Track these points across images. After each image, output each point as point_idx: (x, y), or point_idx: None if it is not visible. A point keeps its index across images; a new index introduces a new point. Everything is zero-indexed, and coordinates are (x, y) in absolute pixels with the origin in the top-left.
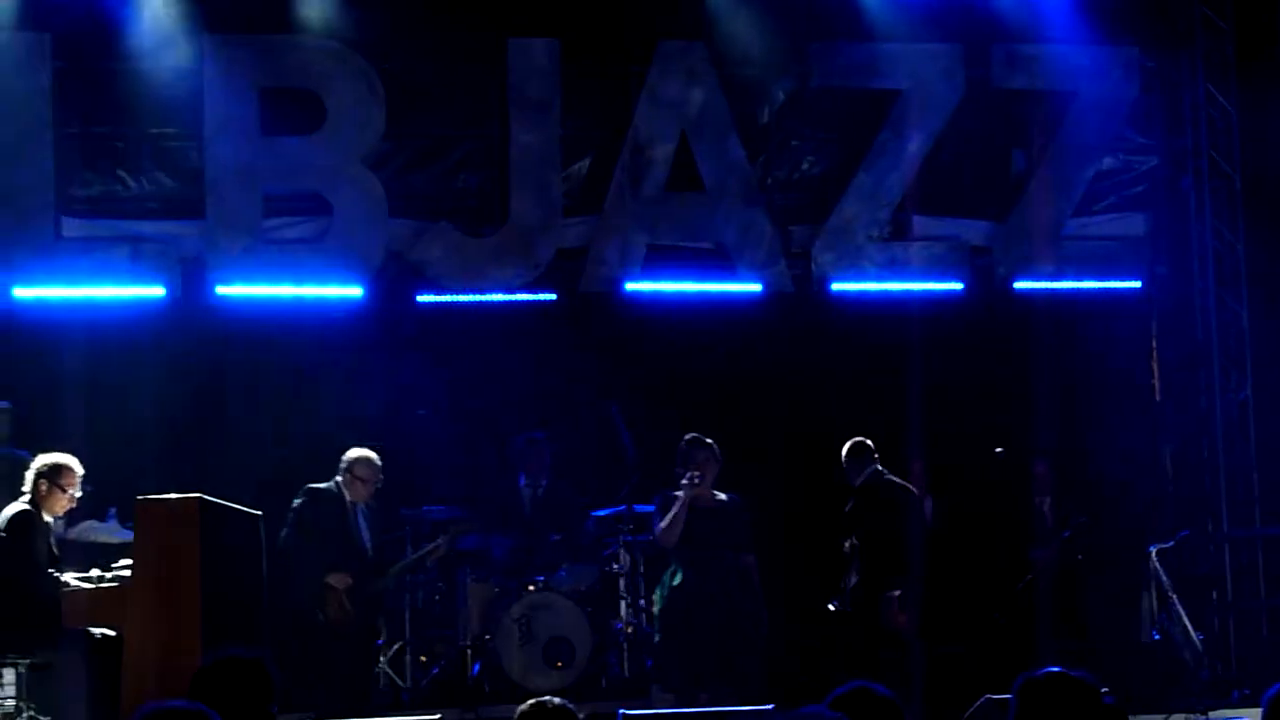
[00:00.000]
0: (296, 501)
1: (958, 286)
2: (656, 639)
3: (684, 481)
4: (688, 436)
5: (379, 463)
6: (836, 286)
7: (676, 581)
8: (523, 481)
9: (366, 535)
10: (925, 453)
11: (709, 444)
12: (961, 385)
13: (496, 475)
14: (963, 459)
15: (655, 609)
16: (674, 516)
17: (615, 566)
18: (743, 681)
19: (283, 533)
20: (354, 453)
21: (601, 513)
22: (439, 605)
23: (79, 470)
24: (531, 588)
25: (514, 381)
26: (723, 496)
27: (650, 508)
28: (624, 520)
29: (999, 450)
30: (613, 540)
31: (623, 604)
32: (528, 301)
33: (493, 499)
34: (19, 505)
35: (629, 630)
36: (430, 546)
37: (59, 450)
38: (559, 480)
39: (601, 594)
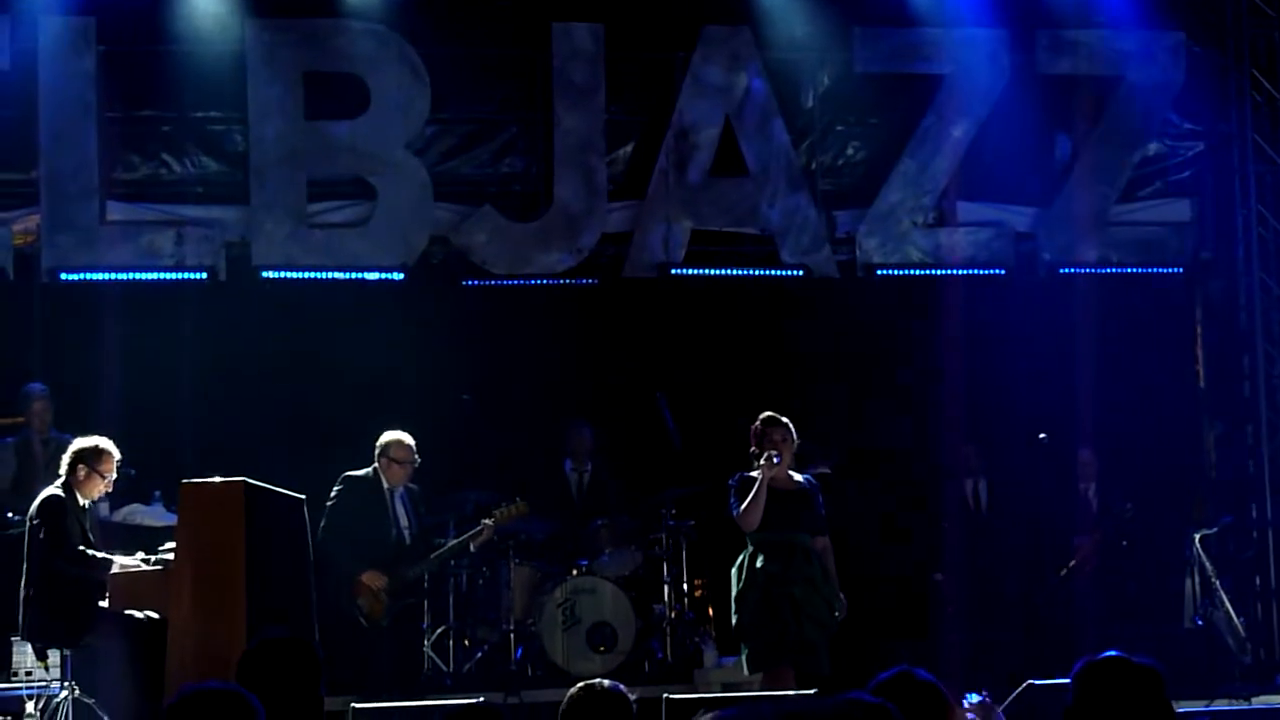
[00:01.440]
0: (336, 489)
1: (1002, 272)
2: (735, 620)
3: (761, 461)
4: (763, 415)
5: (412, 444)
6: (882, 271)
7: (759, 564)
8: (568, 466)
9: (406, 520)
10: (973, 437)
11: (785, 423)
12: (1006, 371)
13: (541, 460)
14: (1008, 444)
15: (734, 591)
16: (754, 498)
17: (659, 551)
18: (820, 666)
19: (322, 522)
20: (388, 436)
21: (646, 498)
22: (483, 589)
23: (115, 454)
24: (575, 572)
25: (559, 367)
26: (799, 478)
27: (697, 489)
28: (668, 505)
29: (1043, 436)
30: (657, 525)
31: (666, 589)
32: (572, 286)
33: (537, 484)
34: (50, 490)
35: (672, 615)
36: (473, 531)
37: (102, 434)
38: (604, 465)
39: (645, 579)
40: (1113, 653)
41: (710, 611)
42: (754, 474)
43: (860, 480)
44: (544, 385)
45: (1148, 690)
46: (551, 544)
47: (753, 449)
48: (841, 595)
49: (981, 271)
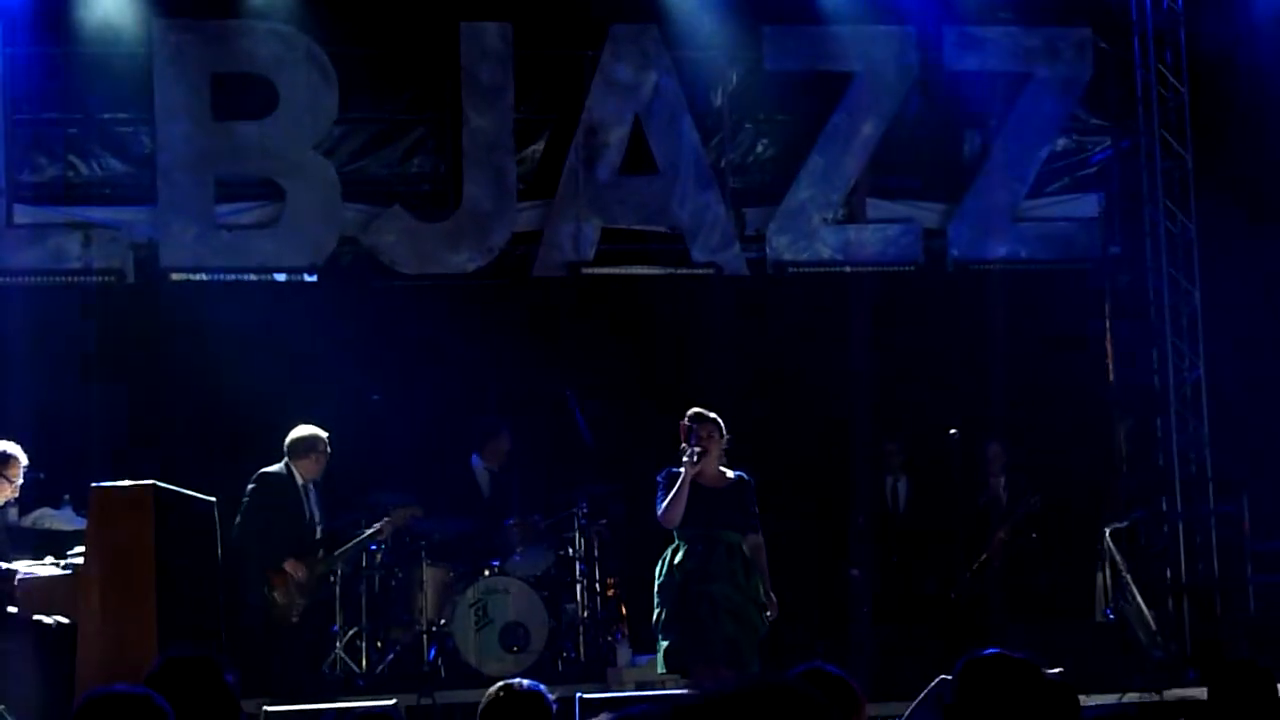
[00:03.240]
0: (250, 487)
1: (912, 268)
2: (656, 614)
3: (685, 458)
4: (690, 411)
5: (324, 436)
6: (792, 269)
7: (678, 560)
8: (479, 465)
9: (318, 515)
10: (890, 433)
11: (712, 418)
12: (917, 365)
13: (452, 460)
14: (919, 440)
15: (656, 584)
16: (675, 495)
17: (571, 550)
18: (744, 665)
19: (237, 520)
20: (297, 431)
21: (558, 497)
22: (395, 591)
23: (22, 459)
24: (487, 572)
25: (469, 366)
26: (730, 474)
27: (609, 488)
28: (580, 504)
29: (953, 431)
30: (569, 524)
31: (578, 588)
32: (482, 285)
33: (448, 483)
34: None
35: (585, 614)
36: (372, 529)
37: (9, 439)
38: (515, 464)
39: (557, 578)
40: (994, 650)
41: (623, 610)
42: (680, 470)
43: (776, 481)
44: (454, 385)
45: (1026, 683)
46: (463, 544)
47: (682, 445)
48: (773, 596)
49: (891, 268)
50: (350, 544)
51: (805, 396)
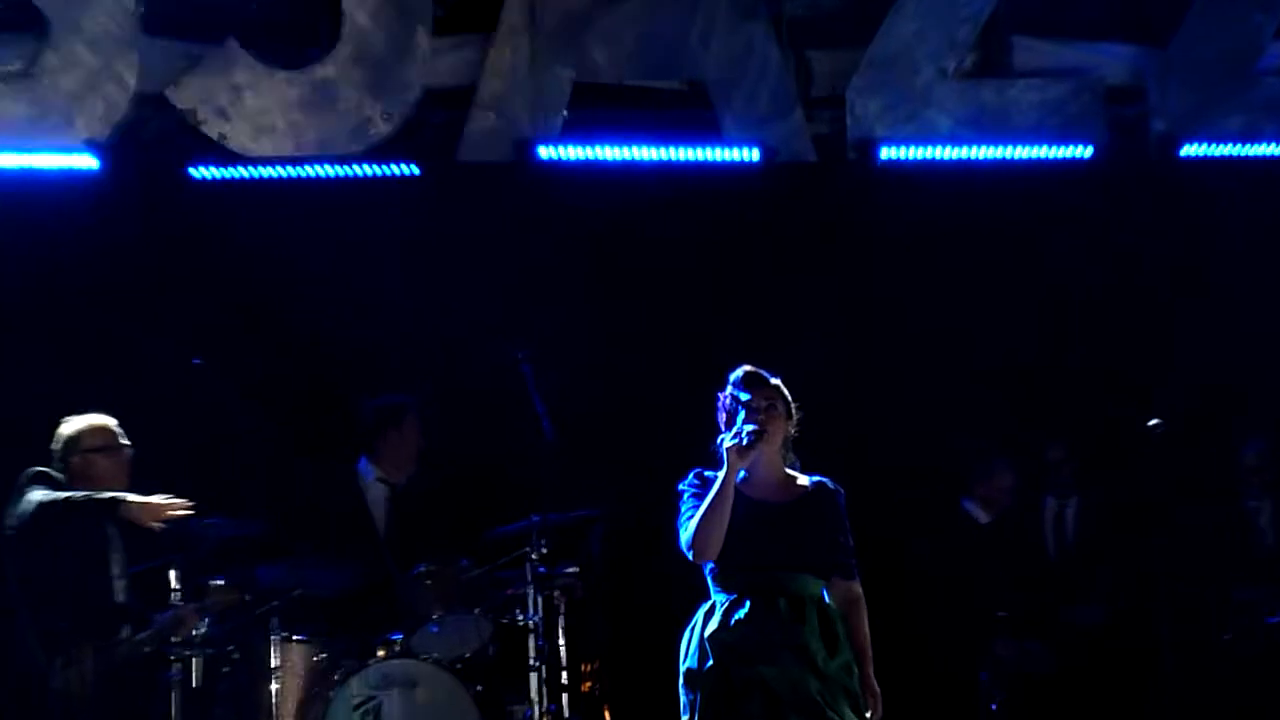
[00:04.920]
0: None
1: (1086, 152)
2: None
3: (728, 446)
4: (740, 372)
5: (115, 427)
6: (888, 153)
7: (715, 625)
8: (370, 477)
9: (120, 559)
10: (1048, 430)
11: (774, 384)
12: (1094, 311)
13: (326, 464)
14: (1095, 440)
15: (681, 667)
16: (710, 511)
17: (521, 617)
18: None
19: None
20: (73, 424)
21: (499, 529)
22: (230, 681)
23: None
24: (382, 652)
25: (352, 310)
26: (804, 480)
27: (585, 513)
28: (536, 540)
29: (1155, 423)
30: (517, 574)
31: (533, 678)
32: (377, 177)
33: (320, 504)
34: None
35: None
36: (165, 620)
37: None
38: (430, 474)
39: (498, 662)
40: None
41: (607, 716)
42: (716, 474)
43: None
44: (328, 341)
45: None
46: (344, 605)
47: (721, 431)
48: (874, 684)
49: (1052, 154)
50: (147, 634)
51: (905, 355)
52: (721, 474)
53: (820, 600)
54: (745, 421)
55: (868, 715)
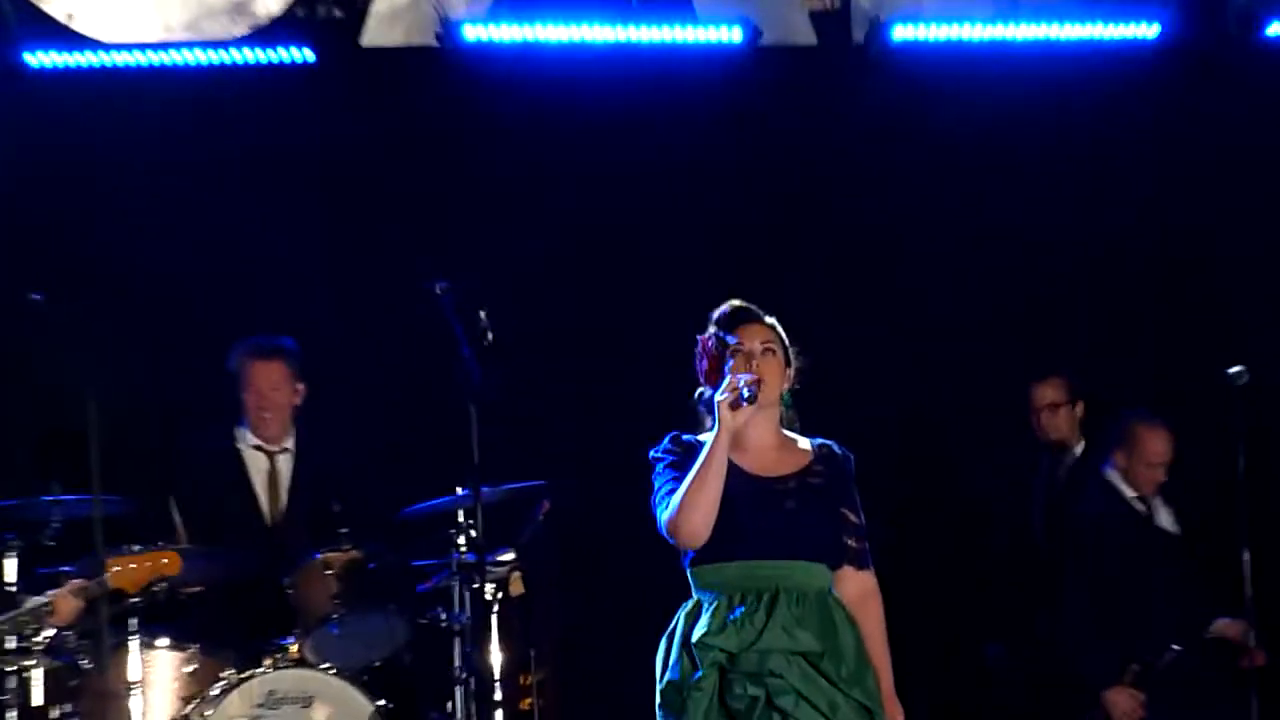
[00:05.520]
0: None
1: (1152, 31)
2: None
3: (721, 397)
4: (725, 308)
5: None
6: (902, 33)
7: (701, 630)
8: (248, 441)
9: None
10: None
11: (768, 322)
12: (1159, 230)
13: (194, 429)
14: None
15: (659, 682)
16: (696, 482)
17: (444, 617)
18: None
19: None
20: None
21: (416, 507)
22: (79, 698)
23: None
24: (268, 661)
25: (233, 235)
26: (806, 444)
27: (528, 485)
28: (463, 520)
29: (1237, 370)
30: (440, 563)
31: (459, 692)
32: (261, 66)
33: (187, 476)
34: None
35: None
36: (38, 604)
37: None
38: (325, 437)
39: (415, 672)
40: None
41: None
42: (701, 436)
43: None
44: (198, 275)
45: None
46: (223, 602)
47: (700, 384)
48: (898, 704)
49: (1110, 33)
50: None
51: (918, 283)
52: (711, 438)
53: (828, 595)
54: (737, 371)
55: None
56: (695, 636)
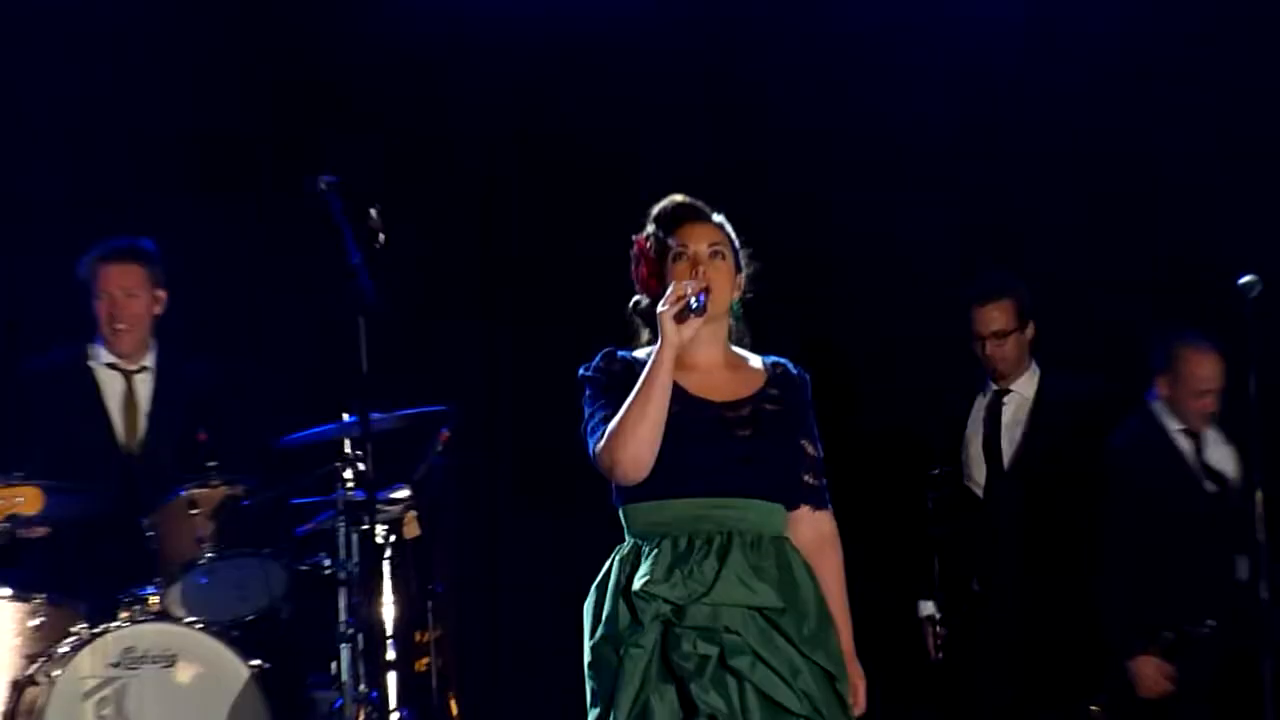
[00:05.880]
0: None
1: None
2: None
3: (663, 309)
4: (665, 203)
5: None
6: None
7: (644, 579)
8: (101, 359)
9: None
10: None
11: (716, 223)
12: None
13: (38, 348)
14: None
15: (587, 640)
16: (635, 405)
17: (328, 563)
18: None
19: None
20: None
21: (296, 436)
22: None
23: None
24: (125, 614)
25: (82, 109)
26: (757, 362)
27: (427, 409)
28: (350, 452)
29: (1248, 280)
30: (321, 502)
31: (345, 651)
32: None
33: (31, 397)
34: None
35: (360, 714)
36: None
37: None
38: (190, 353)
39: (294, 628)
40: None
41: (454, 707)
42: (639, 352)
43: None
44: (44, 171)
45: None
46: (72, 545)
47: (639, 293)
48: (858, 664)
49: None
50: None
51: (909, 192)
52: (654, 355)
53: (785, 541)
54: (681, 278)
55: (842, 697)
56: (636, 585)
